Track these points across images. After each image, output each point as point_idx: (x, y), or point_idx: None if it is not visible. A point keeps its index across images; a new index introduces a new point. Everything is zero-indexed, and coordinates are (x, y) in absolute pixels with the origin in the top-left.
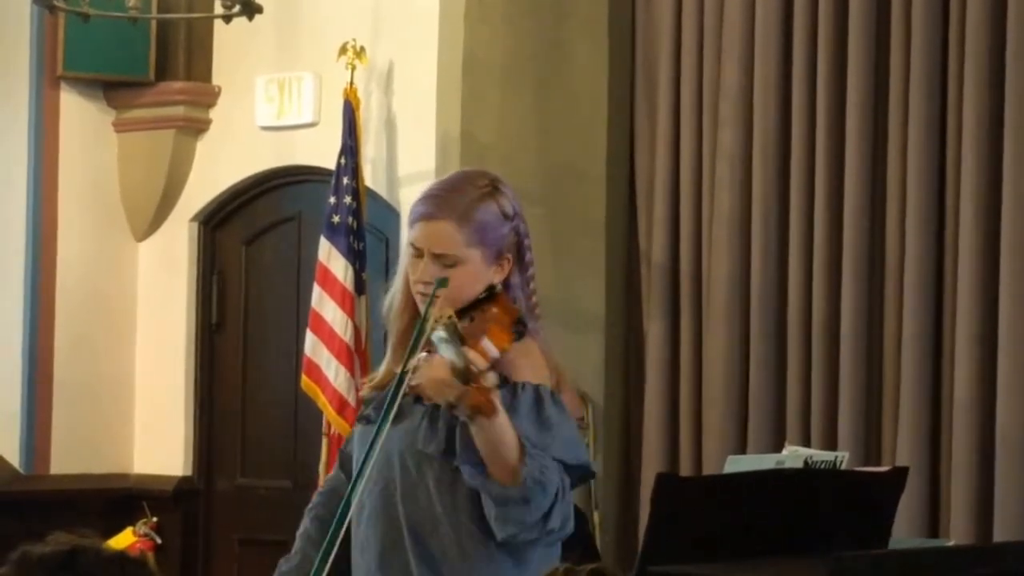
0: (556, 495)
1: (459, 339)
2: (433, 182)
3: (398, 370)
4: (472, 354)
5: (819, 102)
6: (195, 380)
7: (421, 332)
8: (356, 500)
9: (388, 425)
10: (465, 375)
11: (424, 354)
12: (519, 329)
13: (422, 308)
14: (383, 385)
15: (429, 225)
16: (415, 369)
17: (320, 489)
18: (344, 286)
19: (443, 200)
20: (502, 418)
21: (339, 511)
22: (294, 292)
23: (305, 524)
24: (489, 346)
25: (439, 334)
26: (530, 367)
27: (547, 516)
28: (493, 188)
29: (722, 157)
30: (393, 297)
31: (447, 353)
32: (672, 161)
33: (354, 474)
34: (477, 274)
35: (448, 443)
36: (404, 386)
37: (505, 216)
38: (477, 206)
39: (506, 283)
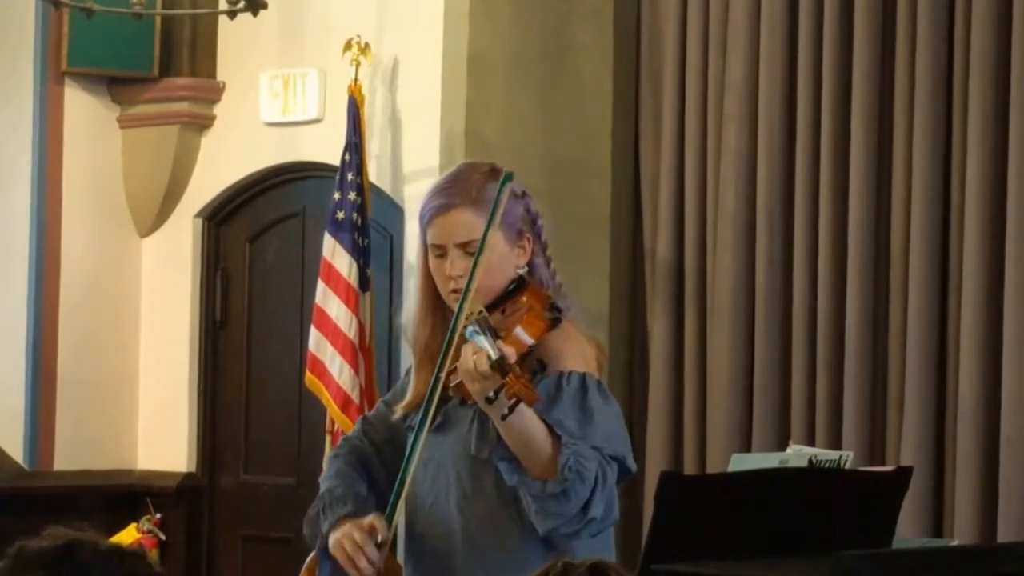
0: (595, 484)
1: (492, 332)
2: (434, 182)
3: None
4: (504, 346)
5: (824, 98)
6: (199, 376)
7: (454, 330)
8: (402, 512)
9: (426, 430)
10: (502, 366)
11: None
12: (554, 315)
13: (456, 308)
14: (419, 402)
15: (447, 217)
16: (455, 370)
17: (339, 447)
18: (348, 282)
19: (452, 190)
20: (525, 415)
21: (390, 505)
22: (298, 288)
23: (339, 465)
24: (523, 335)
25: (471, 329)
26: (576, 354)
27: (587, 506)
28: (493, 170)
29: (727, 154)
30: (410, 313)
31: (483, 347)
32: (677, 158)
33: (396, 483)
34: (502, 258)
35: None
36: (439, 388)
37: (514, 194)
38: (486, 187)
39: (530, 264)
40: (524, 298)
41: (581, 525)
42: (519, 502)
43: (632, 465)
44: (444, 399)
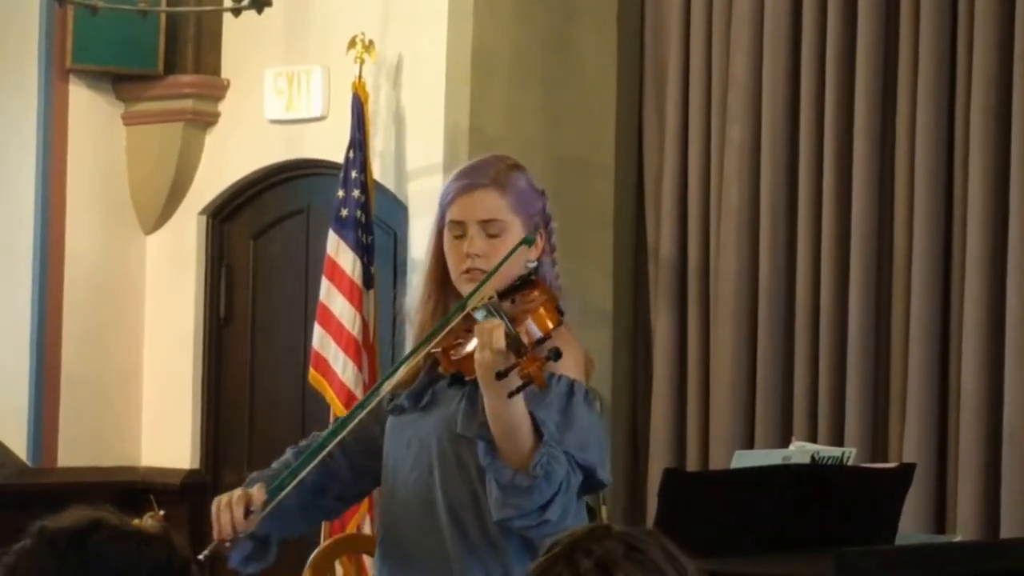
0: (560, 487)
1: (505, 316)
2: (457, 168)
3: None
4: (520, 328)
5: (828, 94)
6: (203, 373)
7: (461, 308)
8: (391, 488)
9: (370, 405)
10: (517, 344)
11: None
12: (561, 315)
13: (467, 290)
14: (408, 381)
15: (472, 195)
16: (458, 344)
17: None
18: (352, 280)
19: (478, 172)
20: (522, 401)
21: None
22: (302, 285)
23: (287, 454)
24: (534, 327)
25: (484, 311)
26: (570, 360)
27: (546, 507)
28: (517, 164)
29: (730, 150)
30: (415, 296)
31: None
32: (680, 154)
33: (386, 464)
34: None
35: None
36: (416, 356)
37: (535, 189)
38: (510, 174)
39: (538, 262)
40: (535, 292)
41: (535, 523)
42: None
43: (605, 477)
44: (434, 378)
